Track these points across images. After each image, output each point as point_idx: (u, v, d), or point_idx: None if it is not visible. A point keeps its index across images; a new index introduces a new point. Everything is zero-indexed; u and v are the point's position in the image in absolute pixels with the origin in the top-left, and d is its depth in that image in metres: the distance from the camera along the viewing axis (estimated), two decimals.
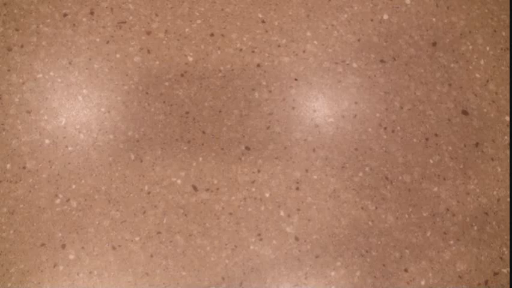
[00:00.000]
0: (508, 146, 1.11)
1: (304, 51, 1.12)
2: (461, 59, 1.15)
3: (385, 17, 1.16)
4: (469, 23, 1.18)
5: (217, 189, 1.02)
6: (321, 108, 1.09)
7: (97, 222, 0.99)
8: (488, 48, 1.17)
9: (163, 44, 1.09)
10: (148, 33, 1.10)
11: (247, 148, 1.05)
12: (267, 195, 1.03)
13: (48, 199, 0.99)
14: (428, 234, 1.04)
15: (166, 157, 1.03)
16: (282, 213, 1.02)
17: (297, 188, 1.04)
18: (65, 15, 1.09)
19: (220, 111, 1.07)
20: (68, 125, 1.03)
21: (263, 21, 1.13)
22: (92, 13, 1.10)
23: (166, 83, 1.07)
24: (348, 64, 1.12)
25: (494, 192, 1.08)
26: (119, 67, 1.07)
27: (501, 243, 1.06)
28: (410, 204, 1.05)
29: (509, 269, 1.05)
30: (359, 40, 1.14)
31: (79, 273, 0.96)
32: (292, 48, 1.12)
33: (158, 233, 0.99)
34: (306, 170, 1.05)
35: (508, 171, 1.10)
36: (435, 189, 1.07)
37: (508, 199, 1.08)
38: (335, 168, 1.06)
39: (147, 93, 1.06)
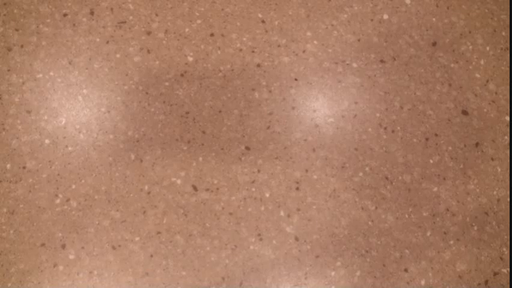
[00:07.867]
0: (508, 146, 1.11)
1: (304, 51, 1.12)
2: (461, 59, 1.15)
3: (385, 17, 1.16)
4: (469, 23, 1.18)
5: (217, 189, 1.02)
6: (321, 108, 1.09)
7: (97, 222, 0.99)
8: (488, 48, 1.17)
9: (163, 44, 1.09)
10: (148, 33, 1.10)
11: (247, 148, 1.05)
12: (267, 195, 1.03)
13: (48, 199, 0.99)
14: (428, 234, 1.04)
15: (166, 157, 1.03)
16: (282, 213, 1.02)
17: (297, 188, 1.04)
18: (65, 15, 1.09)
19: (220, 111, 1.07)
20: (68, 125, 1.03)
21: (263, 21, 1.13)
22: (92, 13, 1.10)
23: (166, 83, 1.07)
24: (348, 64, 1.12)
25: (494, 192, 1.08)
26: (119, 67, 1.07)
27: (501, 243, 1.06)
28: (410, 204, 1.05)
29: (509, 269, 1.05)
30: (359, 40, 1.14)
31: (79, 273, 0.96)
32: (292, 48, 1.12)
33: (158, 233, 0.99)
34: (306, 170, 1.05)
35: (508, 171, 1.10)
36: (435, 189, 1.07)
37: (508, 199, 1.08)
38: (335, 168, 1.06)
39: (147, 93, 1.06)
